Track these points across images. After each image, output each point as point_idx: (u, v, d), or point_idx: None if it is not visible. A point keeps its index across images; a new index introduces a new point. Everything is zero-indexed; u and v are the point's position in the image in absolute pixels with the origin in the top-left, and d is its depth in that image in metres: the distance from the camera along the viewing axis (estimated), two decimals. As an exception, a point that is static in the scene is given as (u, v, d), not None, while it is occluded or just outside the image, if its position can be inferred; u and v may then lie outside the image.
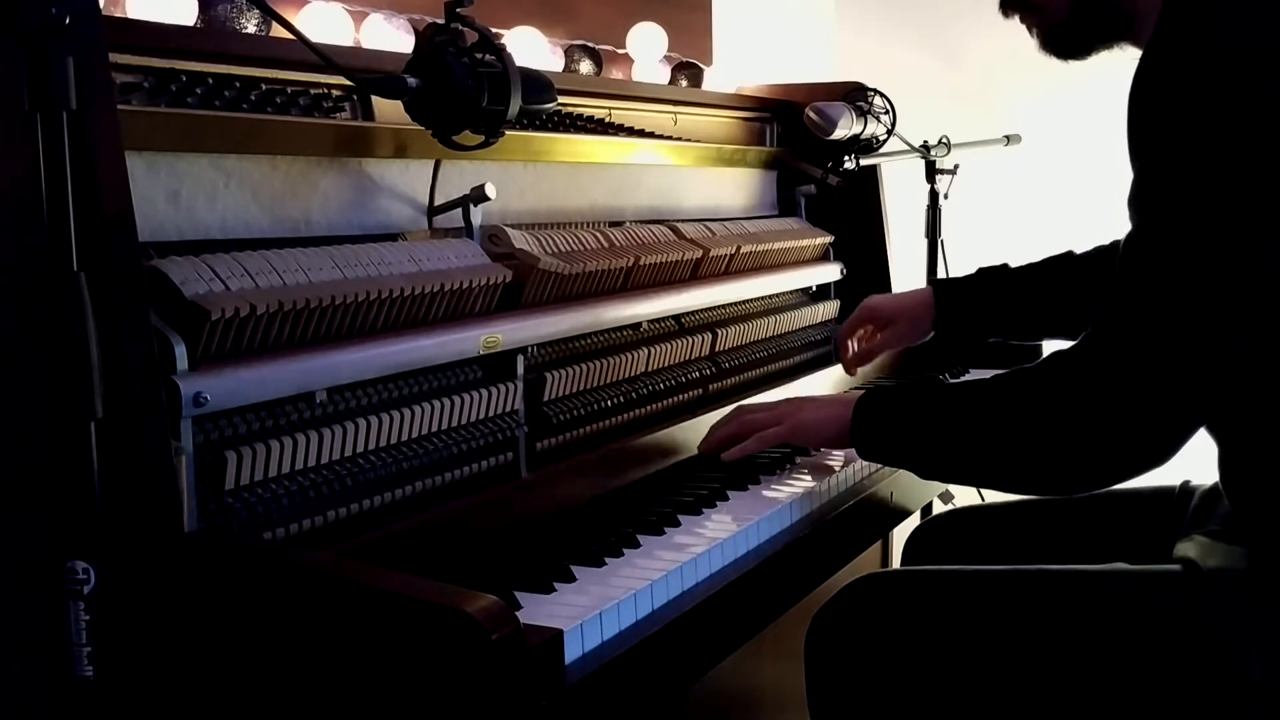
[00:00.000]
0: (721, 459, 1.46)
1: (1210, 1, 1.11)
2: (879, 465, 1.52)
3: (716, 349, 1.77)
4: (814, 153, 2.17)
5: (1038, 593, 1.24)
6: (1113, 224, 1.25)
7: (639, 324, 1.62)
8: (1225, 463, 1.24)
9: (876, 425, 1.34)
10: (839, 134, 2.05)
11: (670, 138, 1.95)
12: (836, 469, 1.51)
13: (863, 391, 1.37)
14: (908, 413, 1.30)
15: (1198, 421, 1.15)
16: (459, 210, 1.39)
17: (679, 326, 1.72)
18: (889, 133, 2.20)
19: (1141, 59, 1.14)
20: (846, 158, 2.15)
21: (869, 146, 2.19)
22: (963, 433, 1.25)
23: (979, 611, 1.23)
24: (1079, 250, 1.69)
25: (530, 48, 2.03)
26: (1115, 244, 1.39)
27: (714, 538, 1.23)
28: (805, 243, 2.06)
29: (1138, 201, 1.13)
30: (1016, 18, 1.35)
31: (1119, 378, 1.12)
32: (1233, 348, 1.10)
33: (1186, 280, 1.09)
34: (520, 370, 1.37)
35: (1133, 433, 1.13)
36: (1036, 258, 1.73)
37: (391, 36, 1.79)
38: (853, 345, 1.88)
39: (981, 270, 1.78)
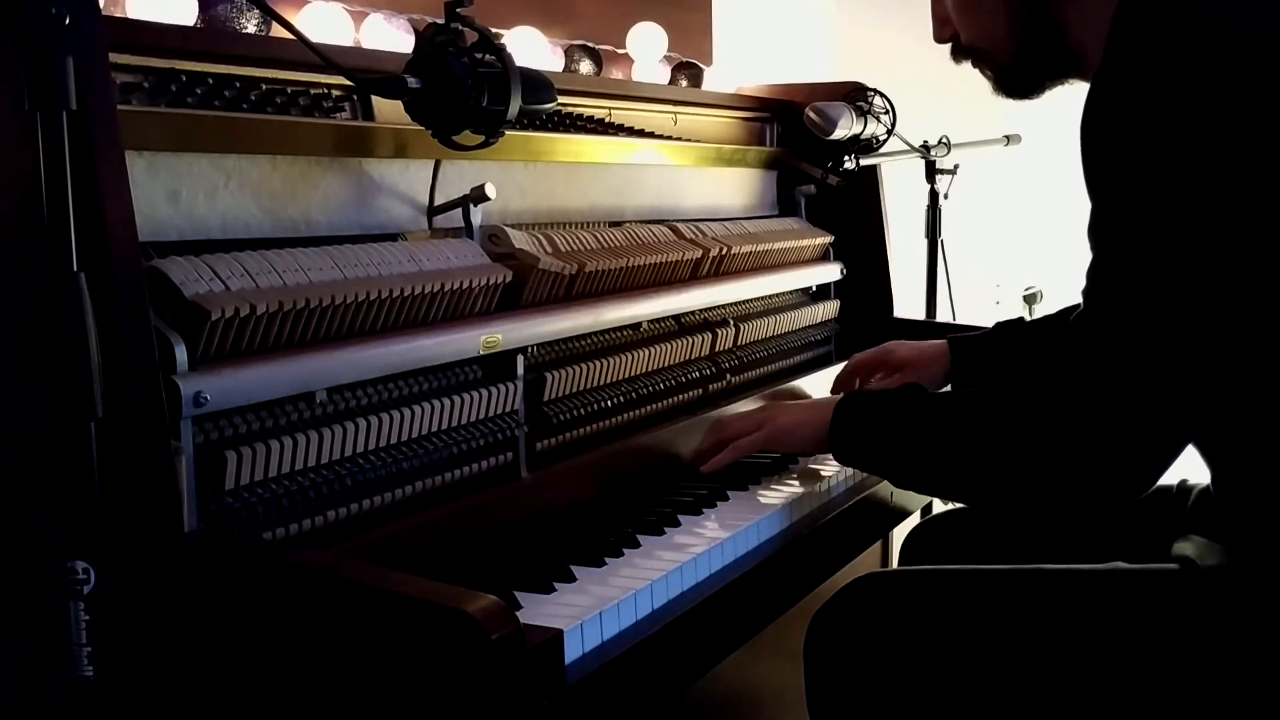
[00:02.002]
0: (700, 471, 1.46)
1: (1176, 10, 1.11)
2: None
3: (716, 349, 1.77)
4: (814, 153, 2.17)
5: (1036, 592, 1.24)
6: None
7: (639, 324, 1.62)
8: (1215, 463, 1.24)
9: (855, 431, 1.34)
10: (839, 134, 2.05)
11: (670, 138, 1.95)
12: (836, 469, 1.51)
13: (842, 396, 1.37)
14: (888, 420, 1.30)
15: (1188, 433, 1.15)
16: (459, 210, 1.39)
17: (679, 326, 1.72)
18: (889, 133, 2.20)
19: (1092, 88, 1.14)
20: (846, 158, 2.15)
21: (869, 146, 2.19)
22: (942, 445, 1.24)
23: (978, 611, 1.23)
24: None
25: (530, 48, 2.04)
26: None
27: (714, 538, 1.23)
28: (805, 243, 2.07)
29: (1097, 231, 1.13)
30: (968, 63, 1.38)
31: (1107, 390, 1.12)
32: (1221, 346, 1.10)
33: (1173, 279, 1.08)
34: (520, 370, 1.37)
35: (1123, 449, 1.12)
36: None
37: (391, 36, 1.79)
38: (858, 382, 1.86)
39: (998, 325, 1.76)
